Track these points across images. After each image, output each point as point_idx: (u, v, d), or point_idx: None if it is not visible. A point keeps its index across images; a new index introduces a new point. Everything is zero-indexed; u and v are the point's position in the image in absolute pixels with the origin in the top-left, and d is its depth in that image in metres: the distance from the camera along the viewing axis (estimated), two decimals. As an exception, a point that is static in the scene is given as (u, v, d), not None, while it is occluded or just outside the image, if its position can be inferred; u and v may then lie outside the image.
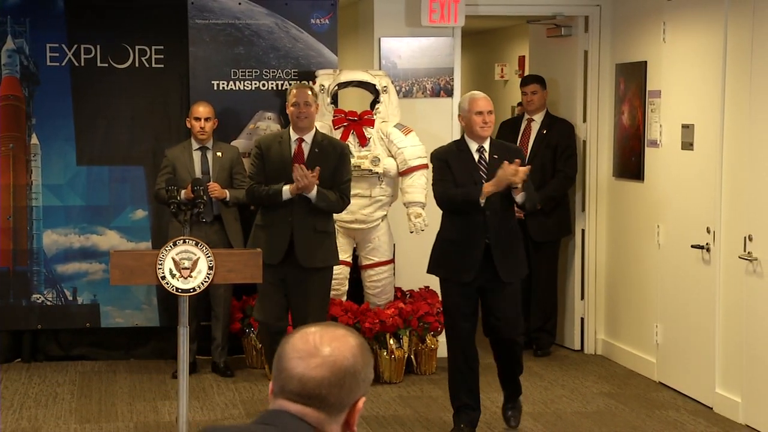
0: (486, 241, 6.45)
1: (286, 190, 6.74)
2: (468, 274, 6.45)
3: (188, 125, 8.02)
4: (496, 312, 6.54)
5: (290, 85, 8.27)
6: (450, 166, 6.52)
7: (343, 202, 6.90)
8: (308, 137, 6.88)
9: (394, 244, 8.15)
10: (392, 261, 8.12)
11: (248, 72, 8.38)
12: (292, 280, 6.82)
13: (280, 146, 6.90)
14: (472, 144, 6.55)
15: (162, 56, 8.44)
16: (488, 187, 6.38)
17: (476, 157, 6.53)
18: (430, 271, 6.73)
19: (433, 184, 6.62)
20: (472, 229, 6.47)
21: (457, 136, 8.64)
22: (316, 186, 6.70)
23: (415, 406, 7.35)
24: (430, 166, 6.72)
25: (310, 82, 8.21)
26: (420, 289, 8.20)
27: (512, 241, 6.58)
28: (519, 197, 6.43)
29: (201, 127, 7.92)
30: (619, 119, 8.49)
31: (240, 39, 8.37)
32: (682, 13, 7.61)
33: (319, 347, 2.31)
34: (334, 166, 6.83)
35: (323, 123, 7.93)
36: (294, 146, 6.87)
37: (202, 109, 7.97)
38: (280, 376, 2.33)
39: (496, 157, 6.50)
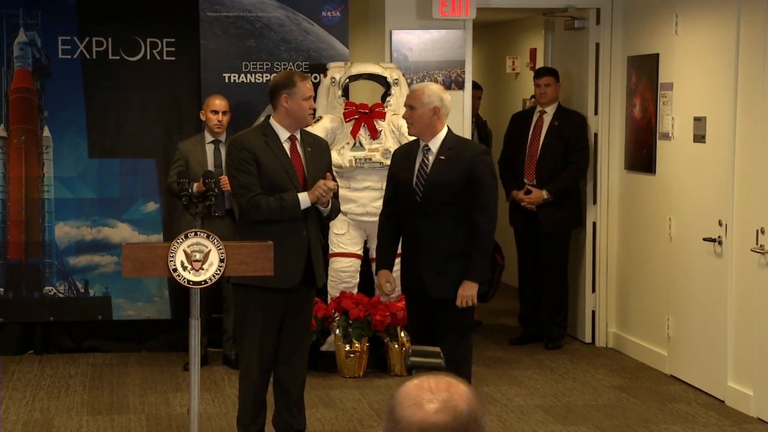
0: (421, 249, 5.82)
1: (305, 198, 5.81)
2: (414, 283, 5.86)
3: (203, 118, 8.01)
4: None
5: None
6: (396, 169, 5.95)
7: (339, 208, 6.15)
8: (297, 134, 5.94)
9: (406, 237, 8.13)
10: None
11: (259, 65, 8.38)
12: (294, 305, 5.93)
13: (270, 147, 5.82)
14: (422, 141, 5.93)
15: (173, 49, 8.44)
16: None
17: (419, 158, 5.89)
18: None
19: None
20: (414, 236, 5.87)
21: (468, 129, 8.66)
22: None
23: (426, 399, 7.34)
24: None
25: (321, 75, 8.21)
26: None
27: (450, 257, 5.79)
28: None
29: (219, 120, 7.90)
30: (630, 112, 8.47)
31: (251, 31, 8.37)
32: (695, 5, 7.59)
33: (435, 392, 2.14)
34: (326, 165, 5.98)
35: (334, 115, 7.95)
36: (287, 145, 5.89)
37: (218, 102, 7.96)
38: (396, 428, 2.12)
39: (443, 158, 5.83)
